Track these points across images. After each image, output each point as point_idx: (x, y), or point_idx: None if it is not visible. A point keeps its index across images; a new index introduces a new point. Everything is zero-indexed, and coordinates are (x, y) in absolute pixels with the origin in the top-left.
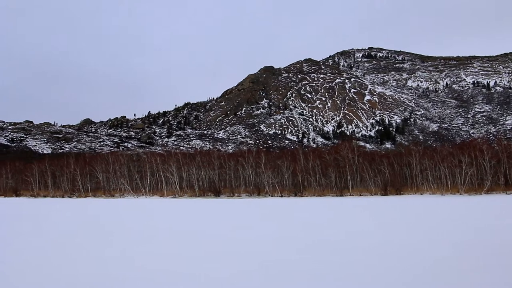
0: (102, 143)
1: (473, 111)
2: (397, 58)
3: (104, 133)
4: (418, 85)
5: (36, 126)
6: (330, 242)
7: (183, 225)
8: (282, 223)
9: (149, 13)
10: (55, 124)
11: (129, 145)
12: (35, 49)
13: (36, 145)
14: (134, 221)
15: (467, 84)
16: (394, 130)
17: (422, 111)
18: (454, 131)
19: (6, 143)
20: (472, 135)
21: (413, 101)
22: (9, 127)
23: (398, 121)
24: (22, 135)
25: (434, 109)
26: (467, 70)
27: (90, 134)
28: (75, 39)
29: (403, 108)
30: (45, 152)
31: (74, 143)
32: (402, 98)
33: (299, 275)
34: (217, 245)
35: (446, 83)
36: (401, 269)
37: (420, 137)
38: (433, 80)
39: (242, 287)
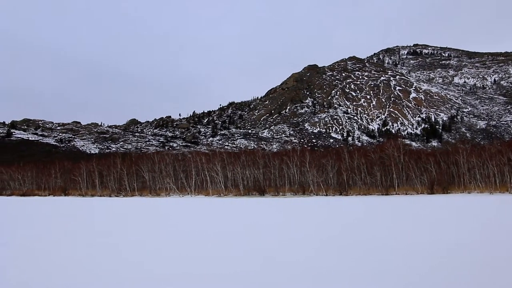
0: (148, 143)
1: None
2: (443, 54)
3: (149, 133)
4: (465, 81)
5: (83, 126)
6: (366, 241)
7: (227, 225)
8: (319, 223)
9: (195, 14)
10: (102, 124)
11: (175, 145)
12: (84, 52)
13: (83, 145)
14: (175, 220)
15: None
16: (440, 128)
17: (470, 108)
18: (503, 128)
19: (55, 143)
20: None
21: (460, 98)
22: (58, 128)
23: (444, 118)
24: (70, 136)
25: (482, 106)
26: None
27: (136, 134)
28: (122, 41)
29: (449, 105)
30: (92, 152)
31: (121, 143)
32: (448, 95)
33: (307, 275)
34: (246, 245)
35: (494, 79)
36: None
37: (468, 134)
38: (481, 76)
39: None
